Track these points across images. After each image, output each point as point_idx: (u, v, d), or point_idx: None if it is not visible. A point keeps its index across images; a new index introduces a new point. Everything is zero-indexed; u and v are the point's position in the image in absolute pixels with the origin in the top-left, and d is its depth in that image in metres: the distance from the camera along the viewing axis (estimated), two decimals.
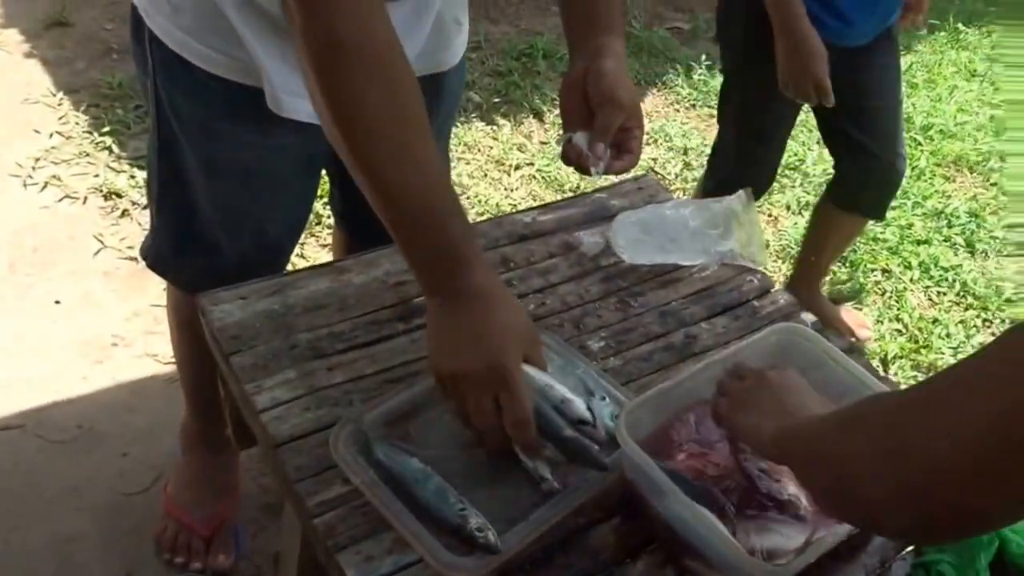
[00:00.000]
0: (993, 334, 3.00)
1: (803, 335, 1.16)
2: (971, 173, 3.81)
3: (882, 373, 2.58)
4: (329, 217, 2.62)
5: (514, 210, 3.06)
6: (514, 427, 0.96)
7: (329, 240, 2.58)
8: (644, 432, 1.02)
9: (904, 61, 4.52)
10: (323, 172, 1.48)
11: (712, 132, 3.67)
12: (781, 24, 1.94)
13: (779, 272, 2.96)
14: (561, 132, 1.12)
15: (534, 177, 3.13)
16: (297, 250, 2.53)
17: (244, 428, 1.14)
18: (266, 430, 1.04)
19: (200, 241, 1.37)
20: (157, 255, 1.45)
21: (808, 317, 1.35)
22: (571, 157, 1.09)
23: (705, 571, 0.97)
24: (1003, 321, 3.05)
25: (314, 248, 2.60)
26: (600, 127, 1.08)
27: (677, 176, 3.34)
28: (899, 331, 2.88)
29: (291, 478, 1.00)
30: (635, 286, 1.33)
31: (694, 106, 3.78)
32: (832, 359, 1.13)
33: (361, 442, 1.02)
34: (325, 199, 2.63)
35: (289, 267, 2.44)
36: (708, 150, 3.50)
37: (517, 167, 3.15)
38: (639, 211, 1.34)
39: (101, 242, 2.55)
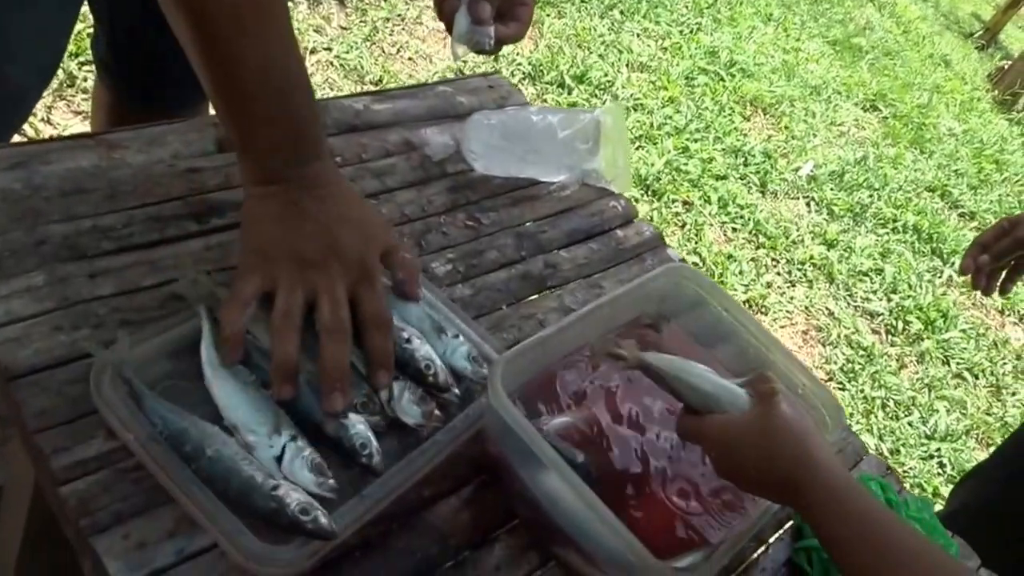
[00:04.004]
0: (779, 273, 3.04)
1: (689, 277, 1.00)
2: (765, 114, 3.85)
3: None
4: (85, 79, 2.19)
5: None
6: (374, 322, 0.77)
7: (84, 107, 2.16)
8: (517, 389, 0.82)
9: None
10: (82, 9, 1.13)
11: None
12: None
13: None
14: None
15: (331, 64, 2.80)
16: (42, 113, 2.10)
17: None
18: None
19: None
20: None
21: (675, 253, 1.19)
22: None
23: (580, 565, 0.79)
24: (789, 262, 3.10)
25: (64, 114, 2.16)
26: None
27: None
28: (696, 264, 2.84)
29: (29, 427, 0.71)
30: (486, 200, 1.10)
31: None
32: (718, 303, 0.99)
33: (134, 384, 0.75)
34: (79, 55, 2.21)
35: (33, 132, 2.04)
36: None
37: (313, 51, 2.80)
38: (499, 113, 1.11)
39: None
